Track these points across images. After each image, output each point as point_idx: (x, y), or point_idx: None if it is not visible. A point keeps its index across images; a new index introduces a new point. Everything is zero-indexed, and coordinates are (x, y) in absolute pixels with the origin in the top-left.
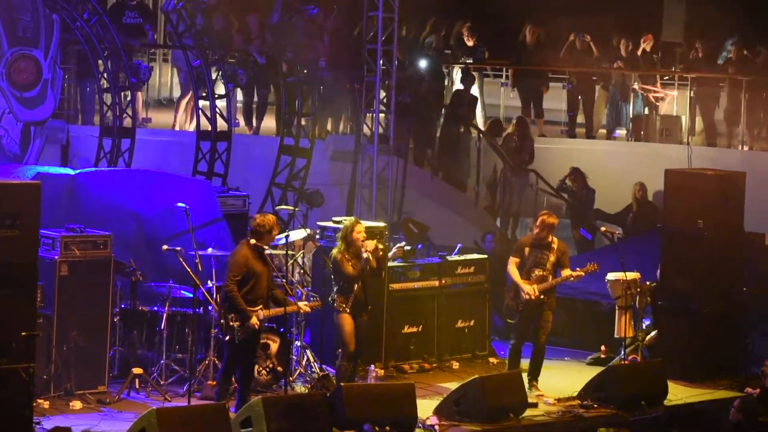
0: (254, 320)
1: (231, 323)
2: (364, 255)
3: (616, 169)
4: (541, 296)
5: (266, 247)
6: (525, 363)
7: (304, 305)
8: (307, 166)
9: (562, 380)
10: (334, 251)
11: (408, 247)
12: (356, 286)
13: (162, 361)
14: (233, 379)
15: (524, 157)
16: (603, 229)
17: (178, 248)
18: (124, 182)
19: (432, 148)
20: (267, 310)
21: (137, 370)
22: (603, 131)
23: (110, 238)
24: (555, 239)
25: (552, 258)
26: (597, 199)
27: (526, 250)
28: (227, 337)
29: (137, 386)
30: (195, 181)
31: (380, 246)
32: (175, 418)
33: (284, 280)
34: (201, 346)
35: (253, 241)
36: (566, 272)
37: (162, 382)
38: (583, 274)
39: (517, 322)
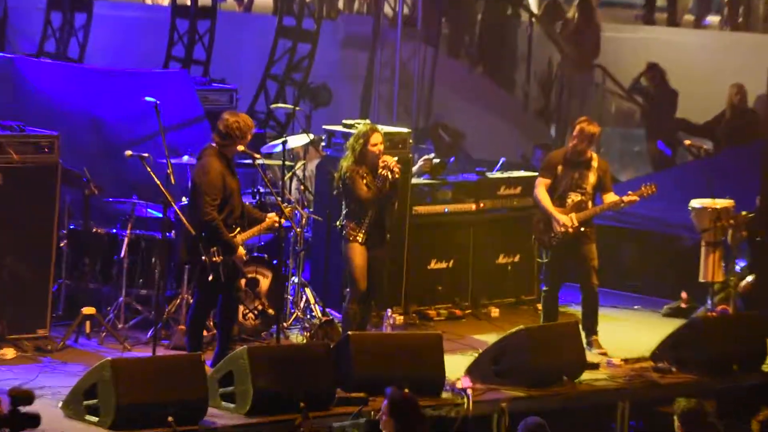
0: (241, 251)
1: (213, 258)
2: (382, 172)
3: (706, 66)
4: (581, 228)
5: (257, 155)
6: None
7: (274, 216)
8: (311, 54)
9: (630, 335)
10: (344, 163)
11: (437, 160)
12: (371, 210)
13: (121, 299)
14: (210, 323)
15: (588, 49)
16: (687, 142)
17: (145, 154)
18: (79, 81)
19: (471, 35)
20: (245, 232)
21: (88, 310)
22: (690, 18)
23: (57, 139)
24: (594, 155)
25: (592, 178)
26: (680, 103)
27: (559, 168)
28: (209, 276)
29: (88, 330)
30: (168, 74)
31: (396, 168)
32: (136, 372)
33: (279, 198)
34: (171, 281)
35: (218, 148)
36: (610, 197)
37: (120, 326)
38: (637, 198)
39: (550, 263)
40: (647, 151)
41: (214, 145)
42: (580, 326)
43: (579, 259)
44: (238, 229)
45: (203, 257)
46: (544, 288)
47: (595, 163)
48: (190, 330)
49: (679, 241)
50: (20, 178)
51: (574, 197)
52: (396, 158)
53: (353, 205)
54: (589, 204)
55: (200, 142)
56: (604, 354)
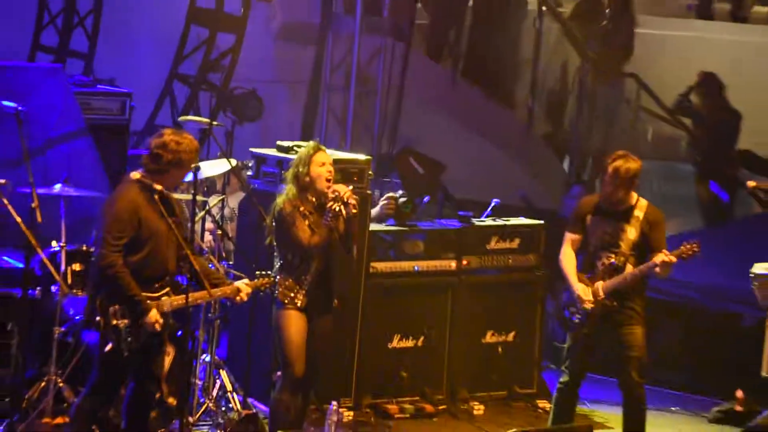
0: (154, 315)
1: (113, 321)
2: (334, 206)
3: None
4: (610, 302)
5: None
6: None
7: (244, 285)
8: (235, 48)
9: None
10: (280, 199)
11: (404, 199)
12: (315, 263)
13: None
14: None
15: (616, 50)
16: (752, 184)
17: (1, 181)
18: None
19: (456, 29)
20: (176, 296)
21: None
22: (762, 10)
23: None
24: (640, 200)
25: (631, 234)
26: (744, 131)
27: (588, 219)
28: (107, 347)
29: None
30: (34, 67)
31: (353, 200)
32: None
33: (197, 255)
34: (34, 357)
35: (140, 179)
36: (658, 257)
37: None
38: (674, 260)
39: (573, 346)
40: (696, 195)
41: (139, 172)
42: None
43: (615, 345)
44: (167, 289)
45: (97, 318)
46: (561, 378)
47: (639, 213)
48: (73, 427)
49: (735, 321)
50: None
51: (606, 260)
52: (351, 187)
53: (290, 255)
54: (628, 269)
55: (79, 166)
56: None
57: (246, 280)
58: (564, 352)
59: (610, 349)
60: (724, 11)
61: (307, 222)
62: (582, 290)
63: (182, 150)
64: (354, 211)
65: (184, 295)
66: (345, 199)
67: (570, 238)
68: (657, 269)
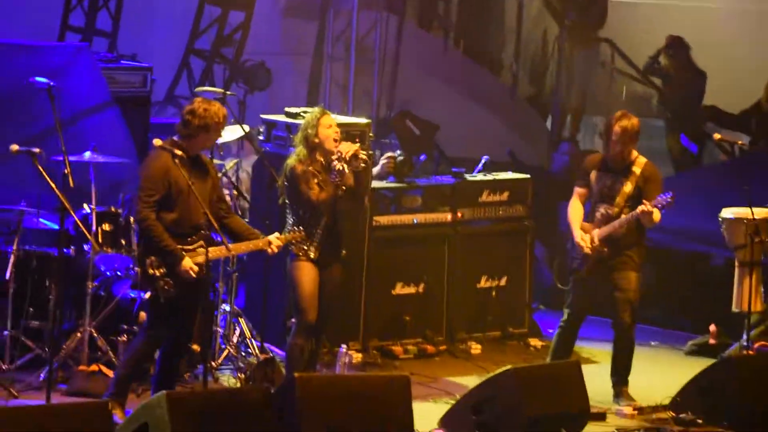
0: (187, 263)
1: (150, 271)
2: (337, 166)
3: (742, 40)
4: (603, 247)
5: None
6: (593, 349)
7: (275, 238)
8: (245, 24)
9: (646, 378)
10: (291, 160)
11: (403, 158)
12: (324, 217)
13: (6, 333)
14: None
15: (592, 19)
16: (717, 136)
17: (36, 150)
18: None
19: (446, 1)
20: (213, 248)
21: None
22: None
23: None
24: (641, 159)
25: (627, 187)
26: (709, 88)
27: (593, 174)
28: (147, 294)
29: None
30: (65, 47)
31: (363, 153)
32: (26, 424)
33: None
34: (70, 309)
35: (162, 145)
36: (639, 208)
37: (5, 366)
38: (651, 209)
39: (571, 288)
40: (667, 148)
41: (161, 139)
42: (610, 373)
43: (609, 288)
44: (200, 242)
45: (137, 268)
46: (562, 319)
47: (636, 169)
48: (121, 369)
49: (706, 261)
50: None
51: (603, 210)
52: (359, 145)
53: (301, 211)
54: (622, 217)
55: (106, 135)
56: (638, 410)
57: (277, 234)
58: (566, 294)
59: (606, 291)
60: None
61: (316, 180)
62: (580, 236)
63: (209, 115)
64: (363, 165)
65: (222, 246)
66: (347, 157)
67: (577, 191)
68: (641, 218)
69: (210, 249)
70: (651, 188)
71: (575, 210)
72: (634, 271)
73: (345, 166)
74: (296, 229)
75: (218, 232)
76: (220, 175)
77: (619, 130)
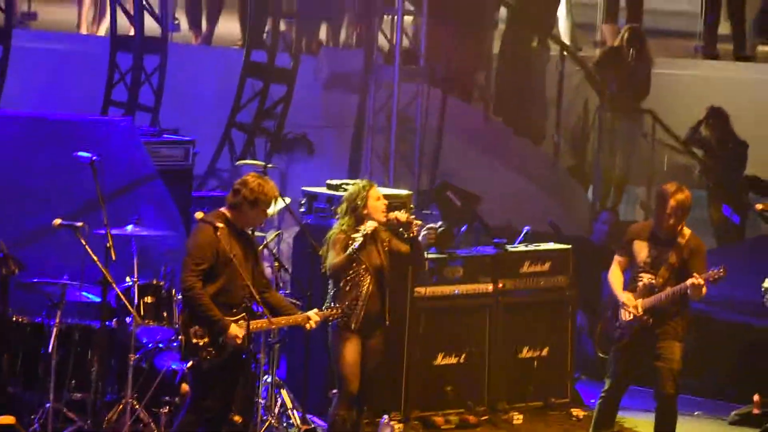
0: (234, 330)
1: (194, 340)
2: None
3: None
4: (647, 318)
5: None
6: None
7: (314, 314)
8: (287, 98)
9: None
10: (334, 230)
11: (444, 229)
12: (367, 286)
13: (48, 405)
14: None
15: (635, 90)
16: (759, 206)
17: (79, 224)
18: None
19: (486, 73)
20: (256, 321)
21: (6, 420)
22: (764, 49)
23: None
24: (686, 230)
25: (672, 258)
26: (752, 158)
27: (636, 244)
28: (189, 363)
29: None
30: (109, 122)
31: (416, 221)
32: None
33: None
34: (113, 381)
35: (203, 218)
36: (689, 280)
37: None
38: (702, 282)
39: (613, 358)
40: (709, 219)
41: (222, 210)
42: None
43: (653, 358)
44: (243, 314)
45: (180, 337)
46: (604, 389)
47: (681, 241)
48: None
49: (750, 331)
50: None
51: (646, 280)
52: (405, 211)
53: (342, 282)
54: (666, 291)
55: (150, 208)
56: None
57: (316, 310)
58: (608, 363)
59: (649, 361)
60: (728, 51)
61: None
62: (626, 297)
63: (261, 191)
64: (414, 231)
65: (264, 319)
66: (406, 221)
67: (617, 259)
68: (689, 291)
69: (252, 321)
70: (696, 260)
71: (616, 277)
72: (677, 341)
73: (368, 231)
74: (335, 306)
75: (260, 304)
76: (261, 247)
77: (675, 204)
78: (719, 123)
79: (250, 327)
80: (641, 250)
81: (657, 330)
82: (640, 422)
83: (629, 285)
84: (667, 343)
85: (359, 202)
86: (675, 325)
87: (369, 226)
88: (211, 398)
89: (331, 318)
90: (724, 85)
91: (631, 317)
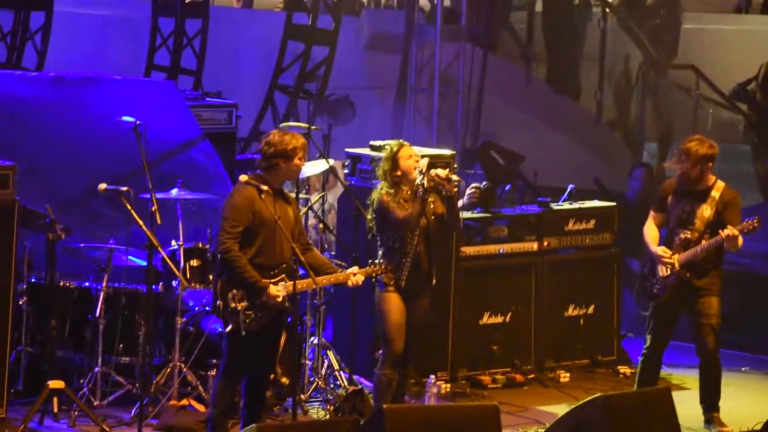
0: (273, 290)
1: (232, 304)
2: (417, 178)
3: None
4: (686, 272)
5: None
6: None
7: (356, 273)
8: (329, 59)
9: (738, 403)
10: (376, 193)
11: (488, 188)
12: (414, 246)
13: (96, 369)
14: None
15: (668, 47)
16: None
17: (124, 188)
18: (37, 92)
19: (529, 32)
20: (300, 281)
21: (56, 384)
22: None
23: (13, 170)
24: (720, 183)
25: (707, 212)
26: None
27: (670, 199)
28: (228, 327)
29: (56, 410)
30: (150, 83)
31: (455, 177)
32: None
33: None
34: (160, 345)
35: (248, 180)
36: (723, 232)
37: (96, 403)
38: (737, 233)
39: (654, 315)
40: (754, 173)
41: (247, 174)
42: (699, 399)
43: (692, 313)
44: (282, 276)
45: (218, 302)
46: (645, 346)
47: (715, 194)
48: (214, 405)
49: None
50: None
51: (682, 235)
52: (447, 170)
53: (391, 240)
54: (703, 243)
55: (196, 172)
56: None
57: (357, 267)
58: (647, 320)
59: (688, 317)
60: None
61: (401, 203)
62: (662, 251)
63: (284, 142)
64: (455, 189)
65: (307, 279)
66: (436, 177)
67: (653, 215)
68: (725, 243)
69: (297, 282)
70: (730, 213)
71: (652, 231)
72: (715, 296)
73: (426, 178)
74: (379, 262)
75: (303, 264)
76: (305, 209)
77: (684, 151)
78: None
79: (294, 288)
80: (674, 204)
81: (695, 285)
82: (687, 378)
83: (665, 241)
84: (705, 298)
85: (389, 166)
86: (712, 280)
87: (422, 163)
88: (244, 361)
89: (374, 274)
90: (760, 40)
91: (669, 272)
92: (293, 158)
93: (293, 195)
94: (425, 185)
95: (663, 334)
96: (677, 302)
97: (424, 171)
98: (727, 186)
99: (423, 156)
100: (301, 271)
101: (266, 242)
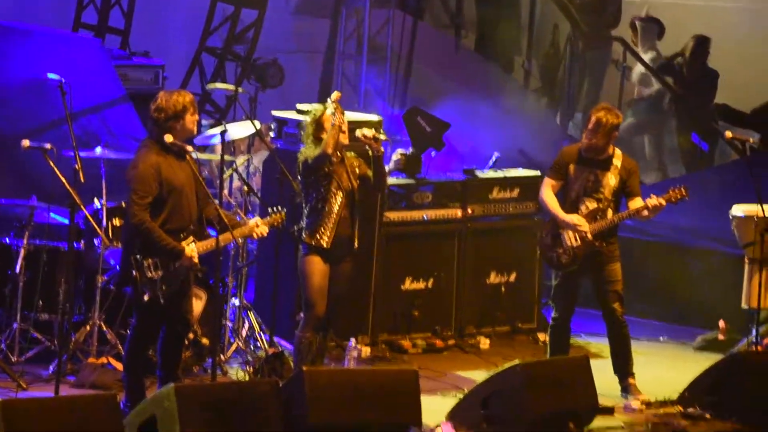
0: (189, 251)
1: (149, 274)
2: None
3: (753, 39)
4: (596, 242)
5: (189, 148)
6: (602, 344)
7: (259, 223)
8: (258, 22)
9: (655, 373)
10: (302, 155)
11: (413, 154)
12: (338, 208)
13: (15, 326)
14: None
15: (606, 17)
16: (729, 134)
17: (47, 146)
18: None
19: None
20: (203, 241)
21: None
22: None
23: None
24: (618, 151)
25: (612, 181)
26: (721, 87)
27: (571, 167)
28: (144, 296)
29: None
30: (77, 39)
31: (382, 137)
32: (33, 415)
33: (215, 202)
34: (79, 302)
35: (166, 138)
36: (636, 202)
37: (14, 359)
38: (663, 203)
39: (560, 284)
40: (678, 146)
41: (152, 137)
42: (612, 368)
43: (598, 281)
44: (191, 238)
45: (134, 272)
46: (553, 315)
47: (617, 162)
48: (127, 369)
49: (715, 258)
50: None
51: (588, 204)
52: (373, 129)
53: (315, 200)
54: (609, 213)
55: (119, 131)
56: (646, 404)
57: (258, 218)
58: (552, 289)
59: (593, 284)
60: None
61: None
62: (577, 219)
63: (173, 103)
64: (381, 150)
65: (213, 239)
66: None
67: (550, 183)
68: (646, 212)
69: (199, 243)
70: (634, 181)
71: (553, 199)
72: (618, 262)
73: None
74: (278, 209)
75: (221, 218)
76: (230, 170)
77: (593, 121)
78: (700, 51)
79: (200, 249)
80: (577, 173)
81: (601, 254)
82: (606, 347)
83: (567, 211)
84: (610, 265)
85: (315, 125)
86: (614, 247)
87: (333, 96)
88: (155, 322)
89: (276, 223)
90: (696, 12)
91: (578, 242)
92: (185, 116)
93: (191, 148)
94: (335, 116)
95: (571, 301)
96: (583, 271)
97: (377, 138)
98: (625, 154)
99: (351, 122)
100: (209, 230)
101: (175, 207)
